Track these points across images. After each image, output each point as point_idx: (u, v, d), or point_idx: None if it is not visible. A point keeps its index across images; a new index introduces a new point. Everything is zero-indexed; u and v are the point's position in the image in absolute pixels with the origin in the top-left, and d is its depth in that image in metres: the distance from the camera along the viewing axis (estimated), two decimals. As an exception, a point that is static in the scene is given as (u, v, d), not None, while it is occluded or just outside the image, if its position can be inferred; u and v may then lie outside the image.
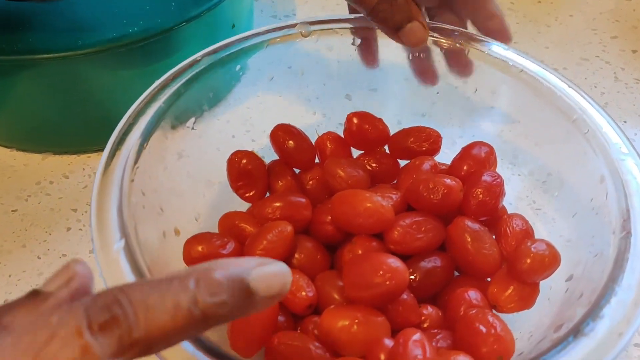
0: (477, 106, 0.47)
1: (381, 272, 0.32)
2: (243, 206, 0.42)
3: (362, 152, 0.44)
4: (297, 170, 0.43)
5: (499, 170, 0.41)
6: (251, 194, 0.40)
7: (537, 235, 0.38)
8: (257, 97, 0.51)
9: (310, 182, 0.42)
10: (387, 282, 0.32)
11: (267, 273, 0.21)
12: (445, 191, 0.36)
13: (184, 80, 0.38)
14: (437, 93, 0.47)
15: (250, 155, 0.40)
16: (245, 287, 0.21)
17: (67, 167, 0.51)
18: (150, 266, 0.29)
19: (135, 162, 0.33)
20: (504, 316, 0.34)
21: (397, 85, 0.50)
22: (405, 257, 0.36)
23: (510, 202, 0.42)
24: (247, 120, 0.49)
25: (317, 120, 0.49)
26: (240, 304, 0.21)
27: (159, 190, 0.36)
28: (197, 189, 0.41)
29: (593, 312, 0.27)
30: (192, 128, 0.41)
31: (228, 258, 0.22)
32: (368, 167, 0.42)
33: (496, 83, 0.43)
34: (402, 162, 0.44)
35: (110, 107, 0.49)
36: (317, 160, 0.44)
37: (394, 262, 0.32)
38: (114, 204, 0.30)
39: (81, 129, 0.50)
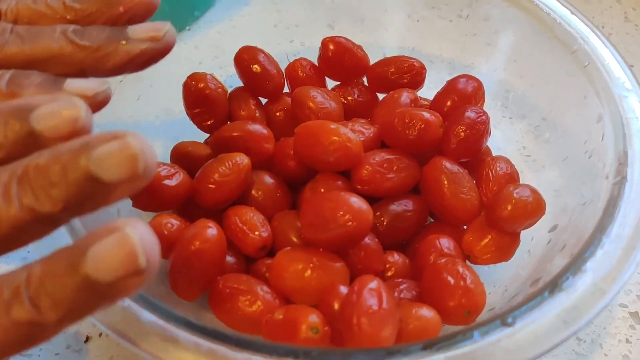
0: (471, 42, 0.43)
1: (341, 212, 0.28)
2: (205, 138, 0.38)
3: (338, 83, 0.40)
4: (264, 101, 0.39)
5: (489, 112, 0.37)
6: (209, 122, 0.36)
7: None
8: (230, 21, 0.47)
9: (278, 114, 0.38)
10: (348, 224, 0.28)
11: (51, 109, 0.17)
12: (423, 126, 0.32)
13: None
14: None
15: (209, 78, 0.36)
16: (26, 129, 0.17)
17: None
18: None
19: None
20: (479, 268, 0.31)
21: (386, 16, 0.46)
22: (374, 199, 0.32)
23: (499, 147, 0.39)
24: (217, 46, 0.45)
25: (295, 49, 0.45)
26: (22, 150, 0.17)
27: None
28: (149, 115, 0.37)
29: (574, 265, 0.23)
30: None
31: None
32: (343, 100, 0.38)
33: (491, 11, 0.39)
34: (383, 97, 0.40)
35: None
36: (287, 90, 0.40)
37: (357, 201, 0.28)
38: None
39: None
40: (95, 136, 0.17)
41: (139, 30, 0.23)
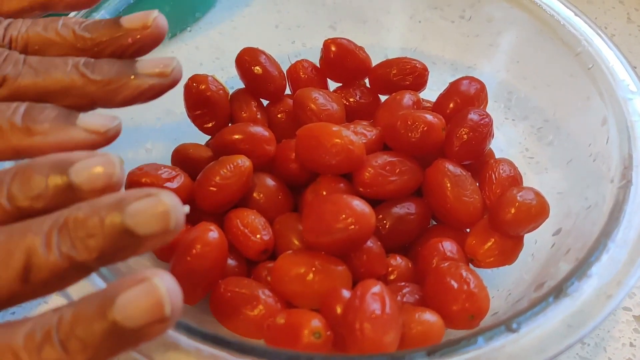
0: (474, 43, 0.43)
1: (343, 216, 0.28)
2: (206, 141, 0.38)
3: (340, 84, 0.40)
4: (265, 102, 0.38)
5: (492, 114, 0.37)
6: (210, 125, 0.36)
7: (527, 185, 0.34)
8: (231, 22, 0.46)
9: (279, 116, 0.38)
10: (350, 227, 0.28)
11: (89, 164, 0.19)
12: (425, 129, 0.32)
13: None
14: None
15: (210, 80, 0.36)
16: (65, 182, 0.19)
17: None
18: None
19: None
20: (482, 272, 0.31)
21: (388, 17, 0.46)
22: (376, 202, 0.32)
23: (502, 149, 0.38)
24: (218, 47, 0.45)
25: (296, 50, 0.45)
26: (59, 201, 0.19)
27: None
28: (149, 116, 0.37)
29: (579, 270, 0.23)
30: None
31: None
32: (345, 102, 0.38)
33: (494, 12, 0.39)
34: (385, 98, 0.39)
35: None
36: (289, 92, 0.39)
37: (359, 204, 0.28)
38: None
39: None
40: (129, 193, 0.18)
41: (148, 66, 0.23)
